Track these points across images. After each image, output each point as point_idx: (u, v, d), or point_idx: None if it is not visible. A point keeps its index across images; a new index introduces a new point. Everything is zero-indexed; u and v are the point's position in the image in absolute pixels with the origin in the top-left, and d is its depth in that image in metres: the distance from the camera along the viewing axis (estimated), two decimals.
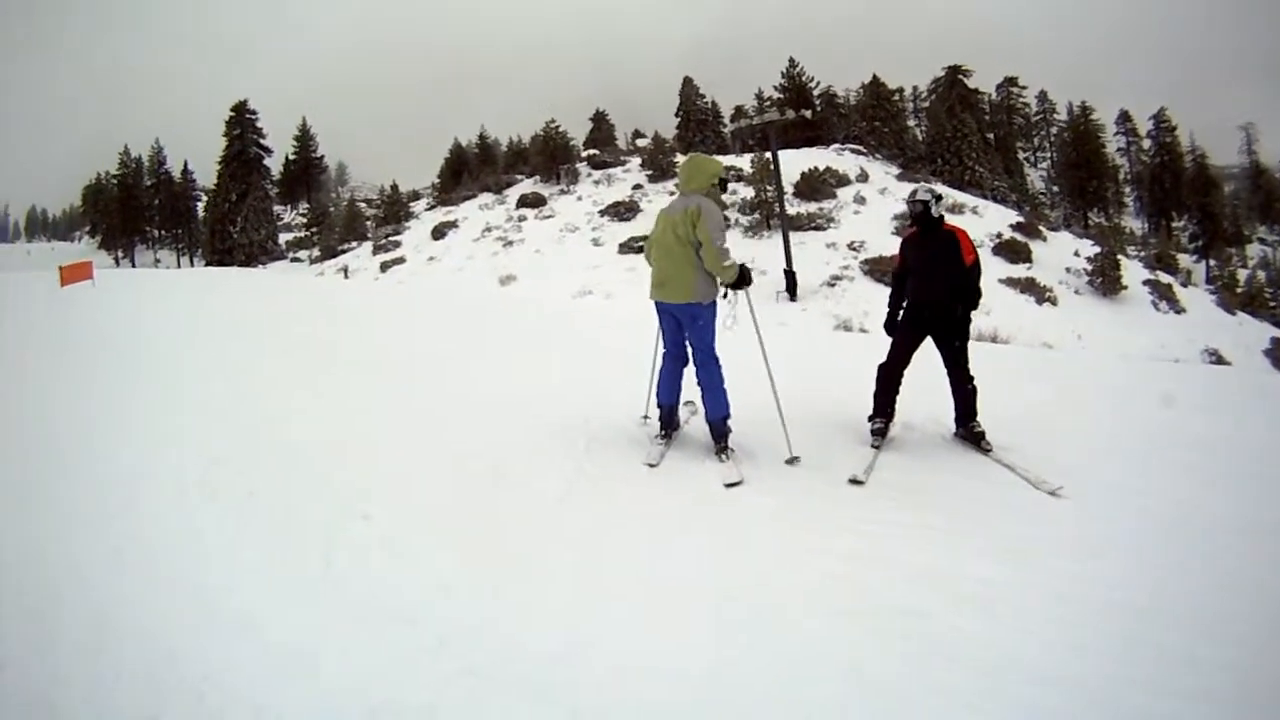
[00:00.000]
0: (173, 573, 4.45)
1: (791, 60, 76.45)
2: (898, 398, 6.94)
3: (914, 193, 6.88)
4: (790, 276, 35.34)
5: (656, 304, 6.60)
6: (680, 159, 53.56)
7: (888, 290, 7.38)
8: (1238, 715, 3.42)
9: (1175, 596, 4.32)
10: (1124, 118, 77.91)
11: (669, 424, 6.77)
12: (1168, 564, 4.73)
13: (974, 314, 6.87)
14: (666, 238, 6.36)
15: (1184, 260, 51.72)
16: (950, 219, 6.78)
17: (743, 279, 6.31)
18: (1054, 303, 34.64)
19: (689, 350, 6.57)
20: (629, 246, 42.37)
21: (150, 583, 4.34)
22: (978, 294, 6.76)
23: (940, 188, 49.45)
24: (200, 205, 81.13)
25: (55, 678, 3.53)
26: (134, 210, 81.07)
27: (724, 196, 6.75)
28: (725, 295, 6.52)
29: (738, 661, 3.69)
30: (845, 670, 3.63)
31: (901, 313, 7.04)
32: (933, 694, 3.49)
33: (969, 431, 6.81)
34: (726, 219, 7.88)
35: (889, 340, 7.11)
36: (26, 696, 3.43)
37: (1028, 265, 38.21)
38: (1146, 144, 75.11)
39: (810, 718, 3.35)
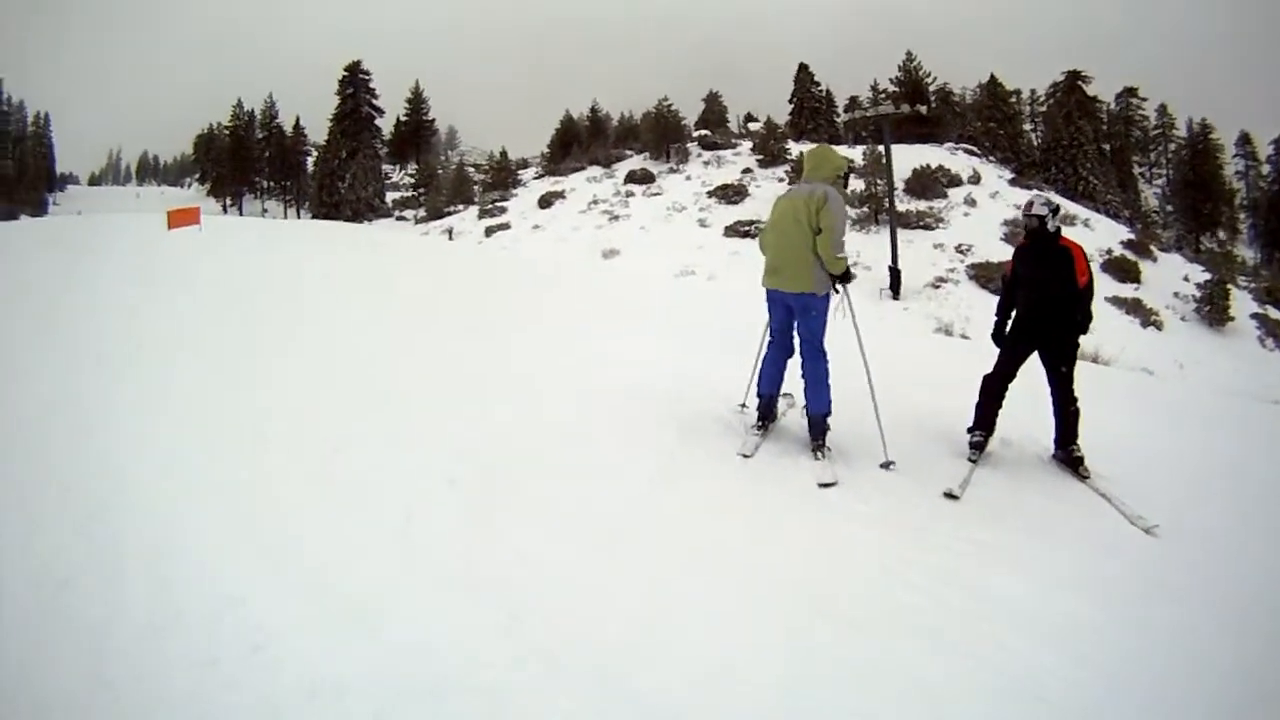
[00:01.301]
0: (246, 516, 4.58)
1: (909, 54, 75.48)
2: (1000, 411, 6.80)
3: (1030, 204, 6.66)
4: (895, 274, 34.91)
5: (769, 291, 6.52)
6: (791, 146, 53.51)
7: (992, 296, 7.37)
8: None
9: (1269, 669, 4.19)
10: (1244, 140, 75.57)
11: (767, 415, 6.69)
12: (1263, 630, 4.53)
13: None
14: (785, 222, 6.31)
15: None
16: (1062, 230, 6.74)
17: (846, 275, 6.29)
18: (1159, 327, 33.86)
19: (794, 341, 6.51)
20: (735, 229, 42.11)
21: (222, 523, 4.48)
22: (1089, 316, 6.55)
23: (1054, 197, 48.66)
24: (310, 160, 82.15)
25: (115, 605, 3.66)
26: (244, 160, 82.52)
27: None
28: (836, 290, 6.39)
29: (810, 676, 3.64)
30: (920, 697, 3.58)
31: (1010, 325, 6.90)
32: None
33: (1068, 455, 6.66)
34: (848, 201, 8.02)
35: (995, 350, 6.99)
36: (86, 620, 3.56)
37: (1136, 285, 37.29)
38: (1265, 169, 72.81)
39: None
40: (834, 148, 6.92)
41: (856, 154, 49.54)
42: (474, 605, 3.90)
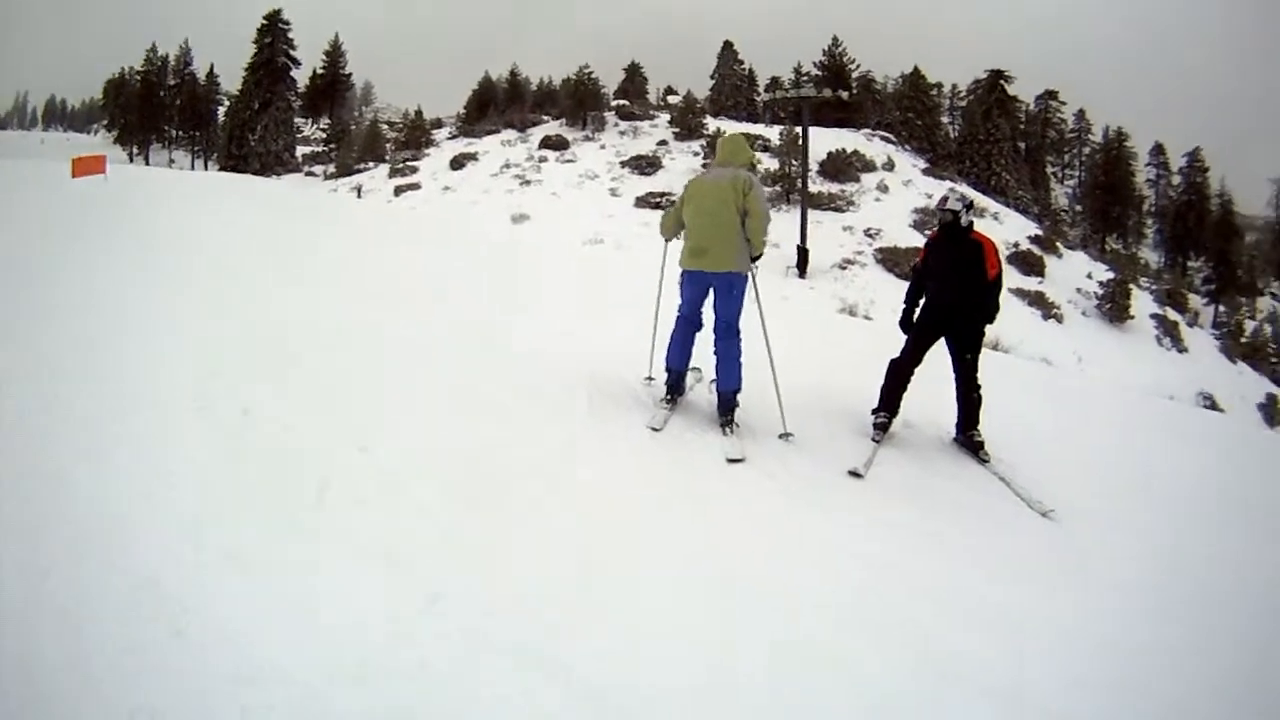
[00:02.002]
0: (159, 491, 4.29)
1: (835, 39, 76.11)
2: (904, 395, 6.91)
3: (945, 199, 6.87)
4: (803, 253, 35.32)
5: (690, 273, 6.54)
6: (709, 122, 53.83)
7: (898, 281, 7.43)
8: None
9: (1166, 641, 4.33)
10: (1158, 150, 77.50)
11: (676, 389, 6.72)
12: (1159, 605, 4.76)
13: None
14: (711, 204, 6.38)
15: (1194, 301, 51.57)
16: (971, 221, 6.81)
17: (760, 253, 6.50)
18: (1059, 320, 34.76)
19: (702, 317, 6.63)
20: (646, 200, 42.32)
21: (136, 499, 4.18)
22: (997, 307, 6.79)
23: (964, 188, 49.25)
24: (221, 110, 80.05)
25: (31, 595, 3.40)
26: (154, 108, 79.87)
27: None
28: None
29: (735, 651, 3.64)
30: (842, 671, 3.61)
31: (918, 312, 6.97)
32: (927, 707, 3.50)
33: (968, 439, 6.79)
34: None
35: (898, 333, 7.09)
36: (4, 627, 3.26)
37: (1039, 279, 38.25)
38: (1176, 180, 74.67)
39: (794, 705, 3.36)
40: (746, 143, 7.05)
41: (773, 134, 50.28)
42: (395, 581, 3.80)
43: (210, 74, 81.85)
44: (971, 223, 6.80)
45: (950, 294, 6.71)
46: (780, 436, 6.36)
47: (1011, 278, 35.85)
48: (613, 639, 3.59)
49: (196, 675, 3.04)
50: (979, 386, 6.75)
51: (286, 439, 5.09)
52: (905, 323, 7.04)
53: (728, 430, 6.27)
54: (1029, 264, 39.08)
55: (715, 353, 6.45)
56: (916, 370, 6.89)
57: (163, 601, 3.38)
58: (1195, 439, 10.37)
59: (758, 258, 6.46)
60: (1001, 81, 75.01)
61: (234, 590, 3.53)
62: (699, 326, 6.64)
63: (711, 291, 6.47)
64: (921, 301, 6.95)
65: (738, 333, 6.41)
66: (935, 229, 7.04)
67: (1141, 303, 38.75)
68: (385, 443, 5.20)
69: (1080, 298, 37.90)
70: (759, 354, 6.52)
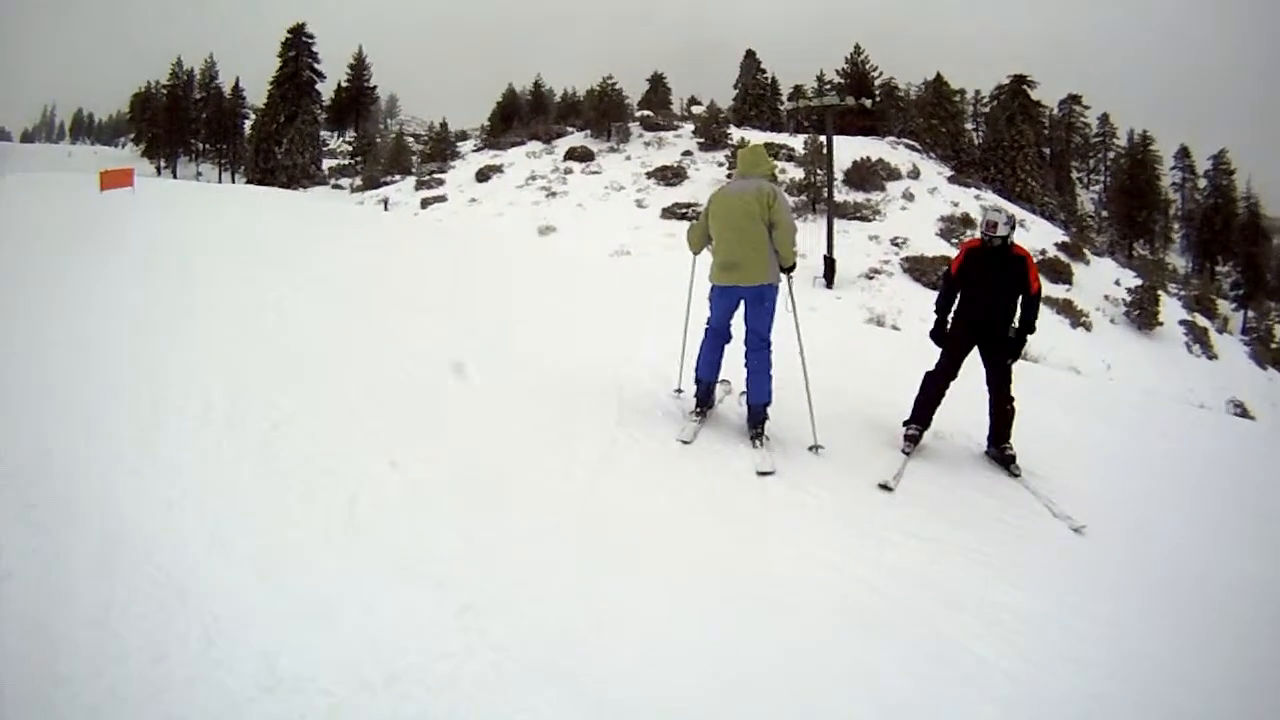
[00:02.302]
0: (189, 502, 4.36)
1: (857, 47, 75.71)
2: (938, 408, 6.92)
3: (994, 224, 6.67)
4: (829, 263, 35.02)
5: (722, 288, 6.55)
6: (733, 131, 53.63)
7: (925, 290, 7.49)
8: None
9: (1191, 658, 4.37)
10: (1183, 153, 76.70)
11: (705, 401, 6.74)
12: (1186, 622, 4.78)
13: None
14: (738, 218, 6.38)
15: (1223, 306, 51.07)
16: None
17: (793, 265, 6.54)
18: (1088, 328, 34.38)
19: (730, 330, 6.66)
20: (672, 211, 41.97)
21: (165, 510, 4.26)
22: (1037, 319, 6.82)
23: (990, 196, 49.05)
24: (247, 124, 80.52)
25: (59, 597, 3.48)
26: (181, 121, 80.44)
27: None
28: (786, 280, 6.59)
29: (756, 661, 3.68)
30: (862, 682, 3.64)
31: (951, 324, 6.96)
32: (944, 714, 3.56)
33: (1000, 453, 6.83)
34: None
35: (927, 343, 7.15)
36: (28, 615, 3.37)
37: (1067, 287, 37.86)
38: (1202, 183, 73.80)
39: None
40: (765, 153, 7.09)
41: (797, 143, 49.95)
42: (425, 594, 3.83)
43: (235, 87, 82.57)
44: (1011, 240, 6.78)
45: (991, 309, 6.71)
46: (810, 449, 6.42)
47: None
48: (640, 653, 3.62)
49: (225, 685, 3.10)
50: (1012, 398, 6.77)
51: (316, 452, 5.12)
52: (937, 334, 7.05)
53: (758, 443, 6.31)
54: (1056, 271, 38.64)
55: (746, 365, 6.47)
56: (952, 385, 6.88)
57: (192, 612, 3.44)
58: (1226, 448, 10.38)
59: (790, 269, 6.52)
60: (1024, 86, 74.49)
61: (263, 601, 3.58)
62: (728, 339, 6.67)
63: (742, 304, 6.49)
64: (954, 312, 6.92)
65: (769, 345, 6.44)
66: (973, 238, 6.99)
67: (1170, 309, 38.32)
68: (415, 456, 5.22)
69: (1108, 305, 37.57)
70: (792, 365, 6.60)
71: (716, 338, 6.67)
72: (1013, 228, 6.74)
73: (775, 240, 6.32)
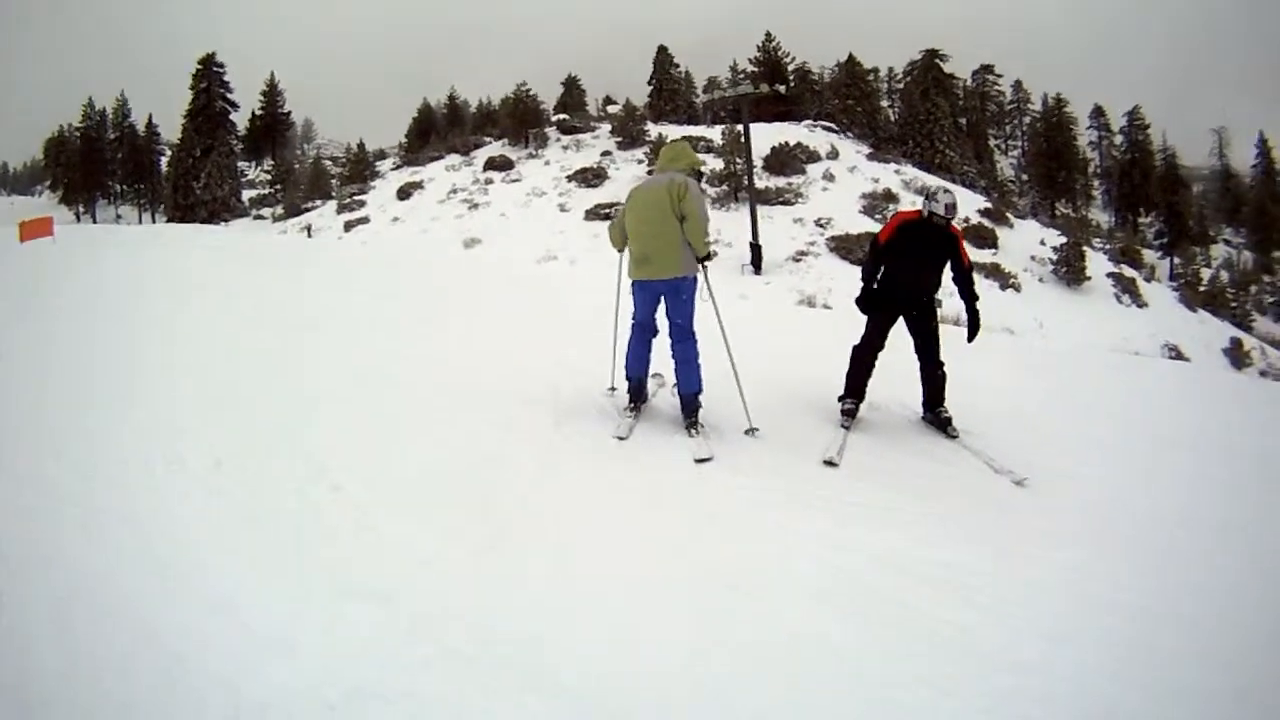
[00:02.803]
0: (142, 548, 4.26)
1: (768, 34, 76.21)
2: (870, 379, 6.94)
3: (951, 204, 6.76)
4: (756, 250, 35.42)
5: (639, 283, 6.53)
6: (650, 128, 54.01)
7: (852, 268, 7.35)
8: (1205, 712, 3.46)
9: (1135, 591, 4.39)
10: (1098, 112, 78.26)
11: (638, 396, 6.75)
12: (1126, 558, 4.82)
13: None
14: (649, 212, 6.38)
15: (1149, 256, 52.18)
16: (919, 201, 7.06)
17: (707, 255, 6.46)
18: (1017, 289, 35.01)
19: (657, 323, 6.65)
20: (595, 213, 42.22)
21: (120, 558, 4.16)
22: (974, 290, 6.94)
23: (910, 169, 49.59)
24: (164, 160, 79.22)
25: (24, 656, 3.37)
26: (96, 164, 79.04)
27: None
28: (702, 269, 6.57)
29: (716, 642, 3.68)
30: (822, 652, 3.64)
31: (880, 295, 6.96)
32: (908, 679, 3.48)
33: (936, 417, 6.91)
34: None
35: (856, 318, 7.20)
36: None
37: (993, 251, 38.55)
38: (1118, 140, 75.35)
39: (788, 699, 3.34)
40: (690, 148, 6.99)
41: (715, 134, 50.44)
42: (376, 611, 3.80)
43: (149, 124, 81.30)
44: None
45: (918, 281, 6.82)
46: (746, 432, 6.38)
47: (967, 251, 36.37)
48: (595, 646, 3.60)
49: None
50: (943, 363, 6.86)
51: (259, 485, 5.05)
52: (864, 300, 7.03)
53: (693, 431, 6.28)
54: (981, 237, 39.26)
55: (673, 357, 6.47)
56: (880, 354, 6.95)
57: (159, 652, 3.39)
58: (1160, 389, 10.68)
59: (705, 259, 6.43)
60: (937, 60, 75.73)
61: (220, 634, 3.53)
62: (654, 333, 6.67)
63: (662, 298, 6.48)
64: (880, 281, 6.94)
65: (693, 335, 6.44)
66: (908, 210, 7.06)
67: (1096, 264, 39.02)
68: (356, 479, 5.16)
69: (1035, 265, 38.20)
70: (719, 352, 6.57)
71: (642, 332, 6.66)
72: (955, 207, 6.79)
73: (686, 231, 6.26)
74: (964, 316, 6.91)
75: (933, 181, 31.18)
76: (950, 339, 7.02)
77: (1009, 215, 45.35)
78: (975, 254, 36.12)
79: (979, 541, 4.84)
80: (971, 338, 6.98)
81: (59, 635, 3.49)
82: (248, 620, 3.64)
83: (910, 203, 40.70)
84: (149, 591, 3.85)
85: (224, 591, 3.87)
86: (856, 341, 6.99)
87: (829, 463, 5.96)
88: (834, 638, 3.74)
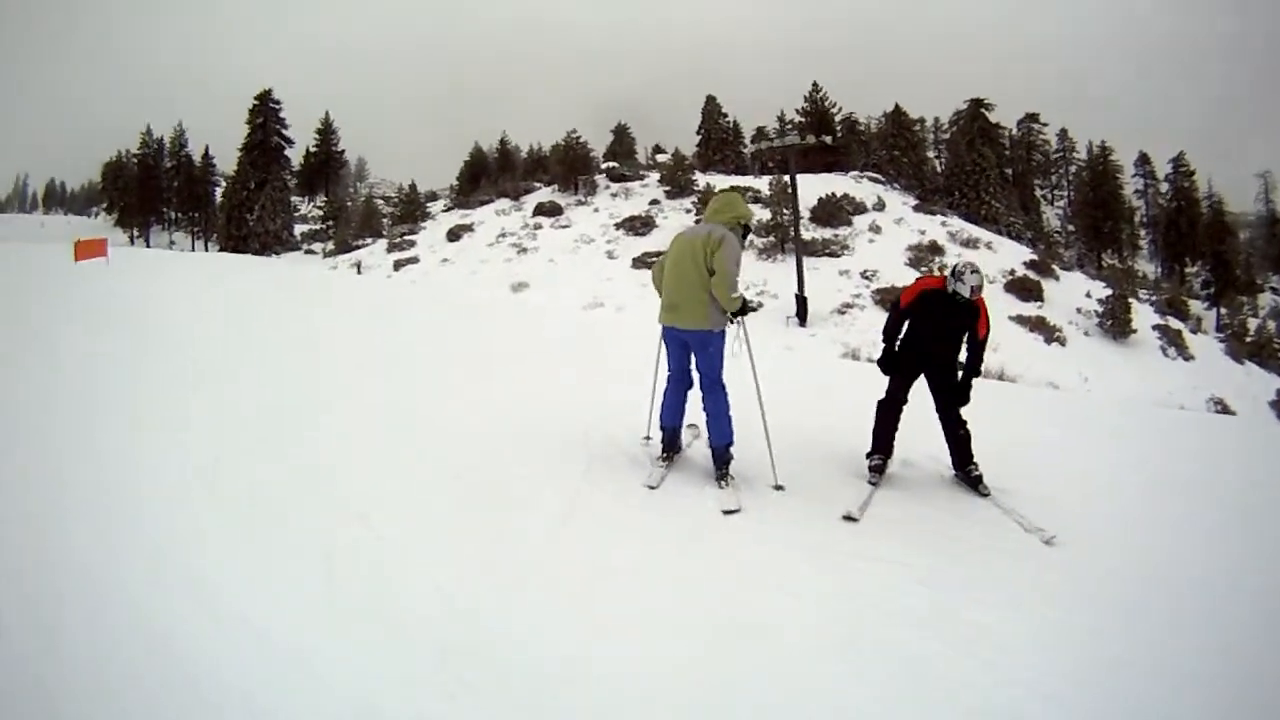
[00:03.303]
0: (175, 570, 4.44)
1: (815, 85, 76.64)
2: (896, 434, 6.99)
3: (977, 286, 6.67)
4: (801, 301, 35.32)
5: (666, 329, 6.63)
6: (699, 177, 53.96)
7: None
8: None
9: (1162, 656, 4.36)
10: (1143, 160, 77.33)
11: (671, 446, 6.78)
12: (1157, 622, 4.75)
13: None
14: (684, 263, 6.39)
15: (1195, 306, 51.51)
16: (965, 253, 7.13)
17: (744, 308, 6.41)
18: (1062, 343, 34.60)
19: (693, 374, 6.64)
20: (643, 261, 42.32)
21: (153, 579, 4.33)
22: (982, 362, 6.97)
23: (956, 221, 49.57)
24: (218, 191, 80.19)
25: (50, 661, 3.54)
26: (152, 190, 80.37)
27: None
28: (732, 323, 6.53)
29: (731, 697, 3.72)
30: (839, 709, 3.68)
31: (900, 351, 7.07)
32: None
33: (966, 475, 6.83)
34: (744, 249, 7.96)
35: (883, 376, 7.18)
36: (25, 682, 3.42)
37: (1039, 304, 38.15)
38: (1164, 188, 74.39)
39: None
40: (741, 197, 6.98)
41: (763, 184, 50.36)
42: (402, 643, 3.92)
43: (205, 155, 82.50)
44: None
45: (936, 344, 6.86)
46: (774, 488, 6.40)
47: (1010, 305, 36.28)
48: (609, 694, 3.68)
49: None
50: (965, 422, 6.84)
51: (291, 514, 5.25)
52: (885, 361, 7.13)
53: (723, 484, 6.31)
54: (1026, 289, 39.00)
55: (704, 409, 6.47)
56: (912, 409, 6.98)
57: (179, 667, 3.54)
58: (1203, 446, 10.39)
59: (740, 313, 6.41)
60: (982, 110, 75.21)
61: (249, 659, 3.67)
62: (690, 384, 6.72)
63: (690, 349, 6.54)
64: (902, 341, 7.05)
65: (722, 387, 6.46)
66: (932, 276, 7.03)
67: (1142, 315, 38.54)
68: (387, 513, 5.36)
69: (1081, 318, 37.76)
70: (755, 408, 6.68)
71: (677, 382, 6.73)
72: (981, 288, 6.72)
73: (713, 285, 6.23)
74: (1009, 369, 7.14)
75: (963, 256, 31.10)
76: (993, 393, 6.90)
77: (1054, 267, 44.79)
78: (1020, 307, 36.25)
79: (997, 599, 4.83)
80: (959, 403, 6.86)
81: (93, 650, 3.62)
82: (275, 645, 3.78)
83: (956, 255, 41.02)
84: (180, 612, 3.99)
85: (252, 615, 4.01)
86: (881, 397, 7.04)
87: (848, 517, 5.97)
88: (851, 694, 3.79)
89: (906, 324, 7.01)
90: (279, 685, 3.51)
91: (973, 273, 6.70)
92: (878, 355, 7.29)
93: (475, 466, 6.50)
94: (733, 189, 6.98)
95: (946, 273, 6.86)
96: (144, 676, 3.49)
